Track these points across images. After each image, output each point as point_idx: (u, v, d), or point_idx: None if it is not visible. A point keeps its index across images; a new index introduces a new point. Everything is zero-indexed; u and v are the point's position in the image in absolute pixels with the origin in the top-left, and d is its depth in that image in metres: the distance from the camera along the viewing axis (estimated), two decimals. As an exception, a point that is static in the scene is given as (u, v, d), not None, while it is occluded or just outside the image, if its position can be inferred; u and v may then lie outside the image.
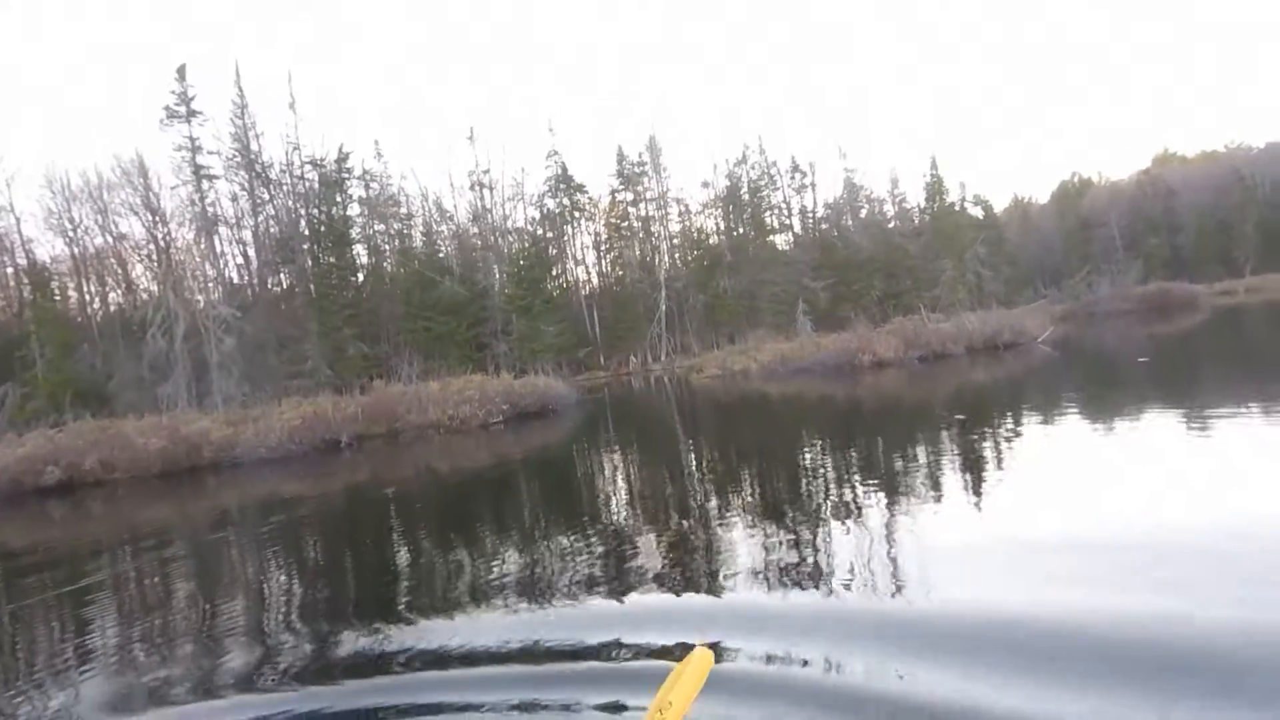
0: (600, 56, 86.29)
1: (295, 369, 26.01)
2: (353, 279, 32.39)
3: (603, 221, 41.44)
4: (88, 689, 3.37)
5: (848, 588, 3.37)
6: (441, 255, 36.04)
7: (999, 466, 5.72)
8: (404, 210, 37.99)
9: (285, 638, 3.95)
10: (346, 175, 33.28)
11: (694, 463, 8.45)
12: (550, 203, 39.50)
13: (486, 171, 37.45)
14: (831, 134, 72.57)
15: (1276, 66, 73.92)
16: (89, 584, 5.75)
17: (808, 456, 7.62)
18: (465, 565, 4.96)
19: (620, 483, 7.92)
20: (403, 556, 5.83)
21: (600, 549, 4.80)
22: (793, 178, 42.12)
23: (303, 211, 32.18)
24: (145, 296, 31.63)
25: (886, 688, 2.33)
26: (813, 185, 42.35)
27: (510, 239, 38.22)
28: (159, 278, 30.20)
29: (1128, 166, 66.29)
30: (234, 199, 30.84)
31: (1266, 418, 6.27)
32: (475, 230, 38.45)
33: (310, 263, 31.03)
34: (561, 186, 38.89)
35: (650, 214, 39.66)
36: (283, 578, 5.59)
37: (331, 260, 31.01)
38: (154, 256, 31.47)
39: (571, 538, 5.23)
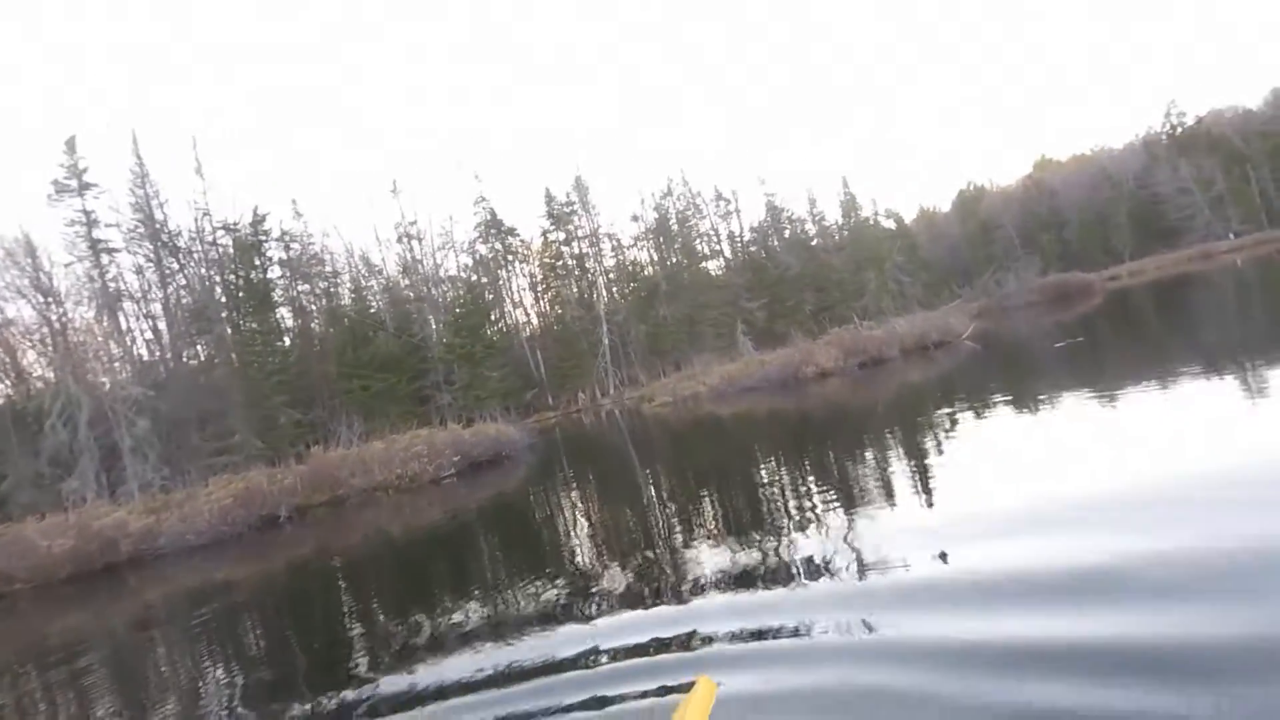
0: (518, 99, 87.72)
1: (220, 445, 24.20)
2: (279, 343, 30.79)
3: (537, 262, 41.43)
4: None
5: (827, 600, 3.36)
6: (373, 310, 34.91)
7: (962, 456, 5.91)
8: (329, 268, 36.74)
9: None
10: (264, 237, 31.93)
11: (656, 491, 8.34)
12: (482, 248, 39.26)
13: (414, 223, 36.90)
14: (750, 161, 76.36)
15: (1126, 70, 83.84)
16: (-17, 716, 4.99)
17: (768, 472, 7.67)
18: (424, 623, 4.66)
19: (582, 520, 7.71)
20: (354, 624, 5.43)
21: (568, 589, 4.64)
22: (717, 205, 43.70)
23: (218, 278, 30.53)
24: (40, 385, 28.86)
25: (881, 698, 2.28)
26: (737, 211, 44.06)
27: (444, 288, 37.54)
28: (55, 363, 27.67)
29: (1014, 173, 72.71)
30: (139, 271, 28.94)
31: (1168, 385, 6.81)
32: (406, 282, 37.56)
33: (230, 331, 29.33)
34: (492, 231, 38.75)
35: (584, 251, 40.00)
36: (220, 669, 5.06)
37: (254, 326, 29.44)
38: (47, 340, 28.88)
39: (537, 582, 5.03)
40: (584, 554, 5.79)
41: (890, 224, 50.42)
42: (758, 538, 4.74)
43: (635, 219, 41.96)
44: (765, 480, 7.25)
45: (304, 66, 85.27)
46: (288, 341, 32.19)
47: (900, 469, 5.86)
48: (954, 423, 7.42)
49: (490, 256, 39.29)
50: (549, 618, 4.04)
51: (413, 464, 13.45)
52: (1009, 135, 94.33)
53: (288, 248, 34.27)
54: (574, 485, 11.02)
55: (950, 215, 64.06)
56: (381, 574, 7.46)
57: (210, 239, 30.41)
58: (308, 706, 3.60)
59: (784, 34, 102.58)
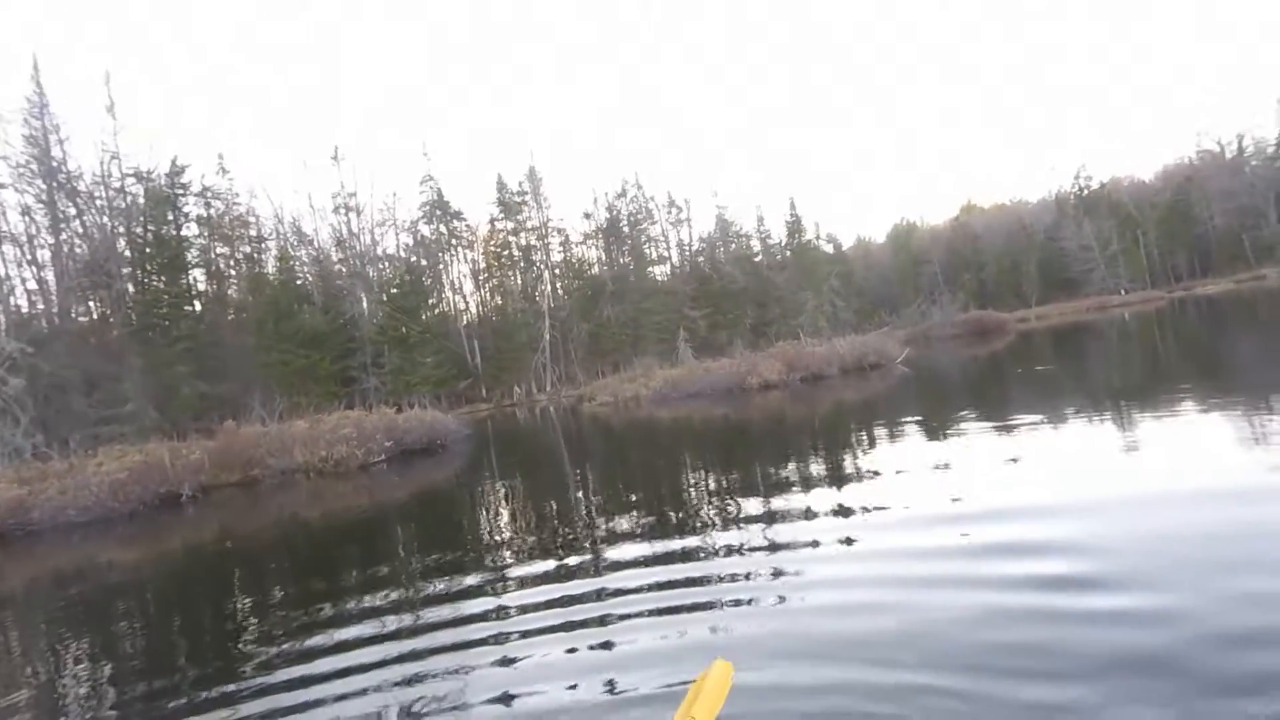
0: (478, 83, 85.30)
1: (108, 413, 21.84)
2: (188, 308, 28.27)
3: (482, 250, 40.27)
4: None
5: (737, 586, 3.53)
6: (300, 282, 32.72)
7: (894, 466, 6.10)
8: (254, 233, 34.18)
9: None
10: (181, 191, 29.31)
11: (597, 488, 8.16)
12: (425, 229, 37.74)
13: (353, 194, 34.96)
14: (704, 173, 77.72)
15: (1038, 133, 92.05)
16: None
17: (702, 474, 7.66)
18: (331, 612, 4.30)
19: (521, 514, 7.40)
20: (253, 612, 4.92)
21: (489, 584, 4.41)
22: (669, 213, 44.10)
23: (122, 230, 27.69)
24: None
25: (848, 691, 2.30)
26: (688, 220, 44.62)
27: (381, 266, 35.77)
28: (-89, 307, 24.17)
29: (943, 214, 78.03)
30: (26, 213, 25.78)
31: (1058, 420, 7.39)
32: (340, 256, 35.51)
33: (131, 289, 26.64)
34: (438, 213, 37.33)
35: (532, 243, 39.26)
36: (83, 657, 4.46)
37: (161, 285, 26.87)
38: (-96, 279, 25.21)
39: (460, 576, 4.73)
40: (516, 549, 5.49)
41: (829, 248, 52.67)
42: (684, 535, 4.84)
43: (587, 216, 41.67)
44: (698, 482, 7.27)
45: (264, 28, 79.17)
46: (199, 307, 29.63)
47: (830, 476, 6.03)
48: (886, 437, 7.73)
49: (433, 239, 37.82)
50: (461, 615, 3.88)
51: (340, 447, 12.59)
52: (937, 177, 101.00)
53: (209, 205, 31.65)
54: (514, 478, 10.66)
55: (884, 246, 67.65)
56: (291, 560, 6.85)
57: (118, 185, 27.58)
58: (183, 700, 3.24)
59: (756, 55, 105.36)
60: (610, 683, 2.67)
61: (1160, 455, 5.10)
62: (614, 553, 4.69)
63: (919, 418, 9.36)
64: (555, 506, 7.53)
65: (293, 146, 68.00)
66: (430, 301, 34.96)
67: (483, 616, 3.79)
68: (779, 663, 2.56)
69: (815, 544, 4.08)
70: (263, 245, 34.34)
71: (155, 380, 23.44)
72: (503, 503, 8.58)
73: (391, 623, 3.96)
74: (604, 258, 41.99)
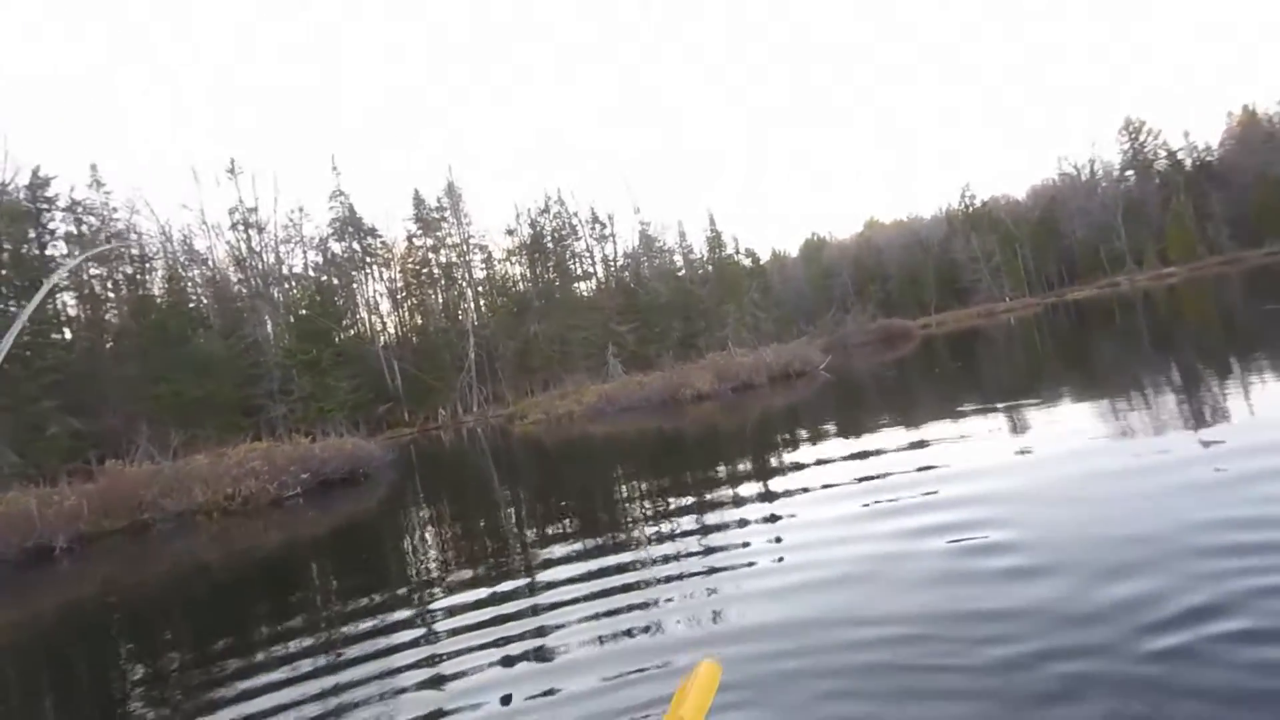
0: (391, 95, 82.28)
1: (-44, 460, 18.91)
2: (56, 336, 25.14)
3: (399, 268, 38.61)
4: None
5: (678, 605, 3.45)
6: (193, 305, 29.95)
7: (821, 466, 6.33)
8: (135, 251, 31.00)
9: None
10: (46, 205, 26.17)
11: (530, 510, 7.91)
12: (336, 247, 35.73)
13: (253, 210, 32.57)
14: (627, 188, 78.34)
15: (932, 153, 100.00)
16: None
17: (638, 487, 7.57)
18: (234, 668, 3.85)
19: (451, 543, 7.03)
20: (140, 677, 4.31)
21: (427, 611, 4.17)
22: (593, 228, 44.20)
23: (-31, 250, 24.26)
24: None
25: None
26: (613, 236, 44.89)
27: (287, 286, 33.45)
28: None
29: (849, 229, 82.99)
30: None
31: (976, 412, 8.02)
32: (240, 276, 32.89)
33: (-16, 316, 23.33)
34: (350, 230, 35.48)
35: (453, 260, 38.10)
36: None
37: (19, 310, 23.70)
38: None
39: (401, 608, 4.41)
40: (445, 576, 5.17)
41: (748, 262, 54.68)
42: (620, 548, 4.79)
43: (511, 232, 41.00)
44: (633, 494, 7.23)
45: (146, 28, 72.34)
46: (69, 334, 26.41)
47: (763, 477, 6.21)
48: (816, 439, 8.03)
49: (345, 256, 35.85)
50: (388, 647, 3.65)
51: (247, 482, 11.46)
52: (848, 194, 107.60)
53: (79, 221, 28.41)
54: (442, 502, 10.15)
55: (798, 260, 71.12)
56: (189, 612, 6.07)
57: (-36, 199, 24.23)
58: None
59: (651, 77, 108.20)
60: (550, 692, 2.66)
61: (1047, 438, 5.76)
62: (549, 572, 4.55)
63: (846, 419, 9.80)
64: (486, 528, 7.23)
65: (183, 153, 62.62)
66: (344, 322, 33.04)
67: (412, 644, 3.57)
68: (735, 656, 2.61)
69: (746, 544, 4.23)
70: (147, 265, 31.22)
71: (14, 419, 20.56)
72: (430, 529, 8.13)
73: (307, 665, 3.59)
74: (528, 274, 41.41)
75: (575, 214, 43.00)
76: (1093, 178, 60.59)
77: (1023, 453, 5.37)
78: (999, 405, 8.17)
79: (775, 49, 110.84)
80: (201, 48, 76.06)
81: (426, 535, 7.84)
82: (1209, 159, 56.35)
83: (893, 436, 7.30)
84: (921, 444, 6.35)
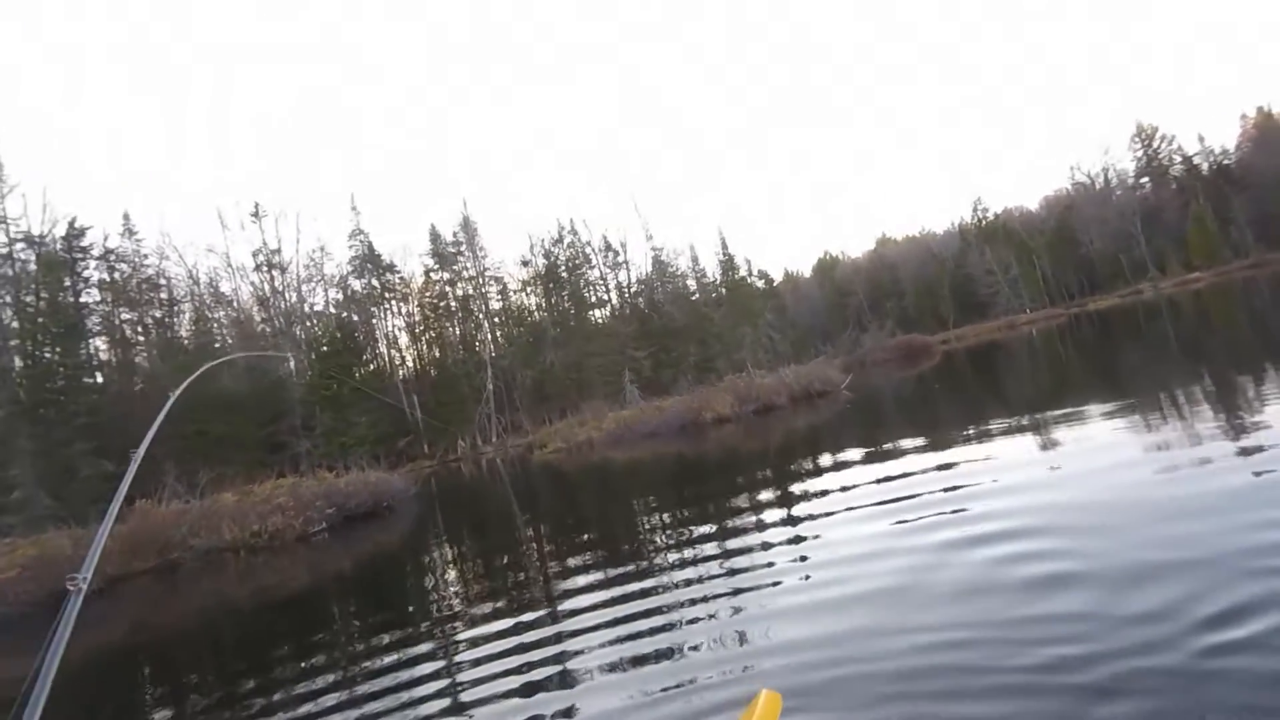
0: (406, 129, 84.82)
1: (-6, 504, 19.38)
2: (89, 380, 25.89)
3: (417, 302, 39.29)
4: None
5: (708, 649, 3.20)
6: (219, 345, 30.70)
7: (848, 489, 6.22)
8: (164, 295, 32.00)
9: None
10: (81, 255, 27.22)
11: (563, 538, 7.86)
12: (356, 284, 36.51)
13: (277, 251, 33.54)
14: (638, 216, 79.51)
15: (940, 167, 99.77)
16: None
17: (665, 517, 7.52)
18: (268, 700, 3.86)
19: (478, 576, 6.98)
20: (163, 718, 4.33)
21: (451, 645, 4.12)
22: (606, 256, 44.71)
23: (7, 299, 25.25)
24: None
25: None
26: (626, 263, 45.32)
27: (309, 324, 34.20)
28: None
29: (861, 246, 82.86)
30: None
31: (1012, 426, 7.86)
32: (263, 316, 33.72)
33: (20, 362, 24.15)
34: (368, 266, 36.28)
35: (469, 293, 38.69)
36: None
37: (55, 357, 24.51)
38: None
39: (425, 642, 4.37)
40: (470, 610, 5.11)
41: (761, 284, 54.75)
42: (643, 576, 4.68)
43: (525, 263, 41.63)
44: (655, 521, 7.14)
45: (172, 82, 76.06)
46: (100, 378, 27.18)
47: (787, 502, 6.09)
48: (842, 460, 7.90)
49: (365, 293, 36.61)
50: (412, 680, 3.62)
51: (274, 518, 11.58)
52: (859, 212, 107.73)
53: (112, 269, 29.46)
54: (466, 535, 10.13)
55: (811, 280, 71.04)
56: (215, 651, 6.11)
57: (3, 251, 25.29)
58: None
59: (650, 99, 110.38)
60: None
61: (1079, 450, 5.64)
62: (572, 600, 4.51)
63: (871, 438, 9.66)
64: (509, 559, 7.18)
65: (208, 198, 64.93)
66: (365, 357, 33.58)
67: (435, 676, 3.54)
68: (769, 669, 2.65)
69: (771, 564, 4.17)
70: (175, 309, 32.17)
71: (49, 462, 21.08)
72: (454, 562, 8.10)
73: (331, 702, 3.58)
74: (544, 304, 41.86)
75: (588, 243, 43.60)
76: (1107, 186, 60.08)
77: (1055, 467, 5.26)
78: (1027, 419, 8.06)
79: (775, 49, 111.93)
80: (230, 95, 79.49)
81: (450, 567, 7.83)
82: (1226, 162, 55.62)
83: (920, 454, 7.19)
84: (949, 464, 6.21)
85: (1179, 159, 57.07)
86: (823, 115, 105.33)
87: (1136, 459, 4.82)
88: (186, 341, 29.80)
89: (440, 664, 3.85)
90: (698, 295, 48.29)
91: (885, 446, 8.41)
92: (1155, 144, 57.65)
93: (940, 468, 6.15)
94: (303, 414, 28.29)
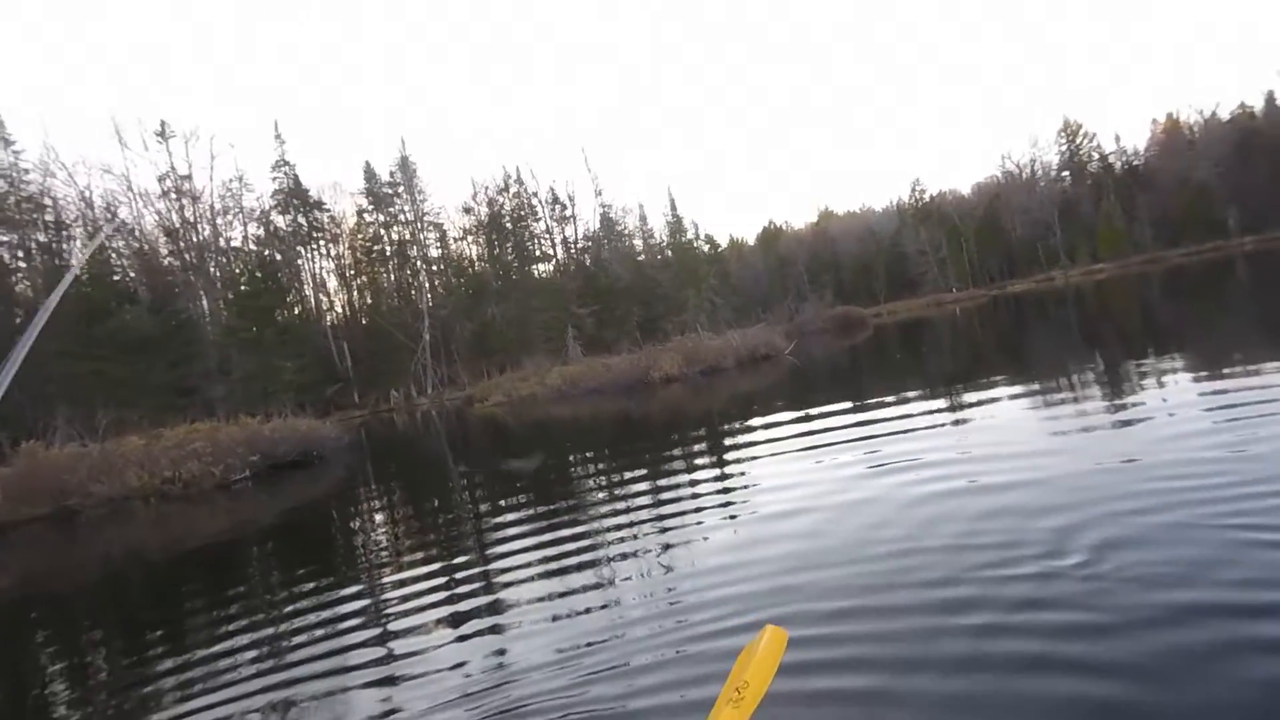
0: (341, 63, 78.00)
1: None
2: (-43, 308, 22.85)
3: (348, 244, 36.88)
4: None
5: (636, 597, 3.18)
6: (119, 278, 27.75)
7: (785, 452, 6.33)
8: (50, 218, 28.42)
9: None
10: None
11: (500, 490, 7.60)
12: (280, 220, 33.75)
13: (187, 177, 30.35)
14: (588, 171, 77.39)
15: (878, 147, 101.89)
16: None
17: (608, 472, 7.45)
18: (182, 657, 3.50)
19: (412, 522, 6.66)
20: (64, 674, 3.82)
21: (381, 597, 3.93)
22: (553, 209, 43.35)
23: None
24: None
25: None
26: (573, 217, 44.16)
27: (224, 260, 31.45)
28: None
29: (804, 218, 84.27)
30: None
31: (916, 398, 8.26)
32: (171, 248, 30.67)
33: None
34: (295, 203, 33.57)
35: (406, 238, 36.65)
36: None
37: (-86, 281, 21.44)
38: None
39: (353, 596, 4.05)
40: (402, 560, 4.87)
41: (707, 248, 54.89)
42: (578, 521, 4.77)
43: (468, 211, 39.76)
44: (597, 473, 7.15)
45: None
46: (-28, 306, 24.05)
47: (729, 458, 6.14)
48: (787, 420, 8.05)
49: (290, 231, 33.94)
50: (338, 632, 3.41)
51: (189, 464, 10.65)
52: (802, 186, 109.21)
53: (-15, 182, 25.79)
54: (401, 485, 9.70)
55: (755, 248, 71.94)
56: (121, 605, 5.50)
57: None
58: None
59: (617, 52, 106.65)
60: (506, 665, 2.60)
61: (982, 412, 6.29)
62: (505, 548, 4.45)
63: (819, 398, 9.88)
64: (443, 511, 6.89)
65: (105, 112, 57.68)
66: (289, 299, 31.36)
67: (361, 627, 3.37)
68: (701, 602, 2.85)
69: (700, 521, 4.21)
70: (64, 233, 28.68)
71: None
72: (386, 512, 7.73)
73: (249, 655, 3.28)
74: (485, 254, 40.30)
75: (535, 194, 42.08)
76: (1033, 177, 63.53)
77: (960, 421, 5.92)
78: (944, 387, 8.76)
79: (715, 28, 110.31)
80: None
81: (381, 517, 7.46)
82: (1136, 163, 59.94)
83: (869, 411, 7.39)
84: (870, 421, 6.61)
85: (1096, 156, 60.98)
86: (779, 90, 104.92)
87: (1028, 417, 5.69)
88: (80, 271, 26.69)
89: (367, 615, 3.60)
90: (644, 256, 47.86)
91: (834, 406, 8.60)
92: (1078, 140, 61.22)
93: (859, 424, 6.48)
94: (218, 357, 26.26)
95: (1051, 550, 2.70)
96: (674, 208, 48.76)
